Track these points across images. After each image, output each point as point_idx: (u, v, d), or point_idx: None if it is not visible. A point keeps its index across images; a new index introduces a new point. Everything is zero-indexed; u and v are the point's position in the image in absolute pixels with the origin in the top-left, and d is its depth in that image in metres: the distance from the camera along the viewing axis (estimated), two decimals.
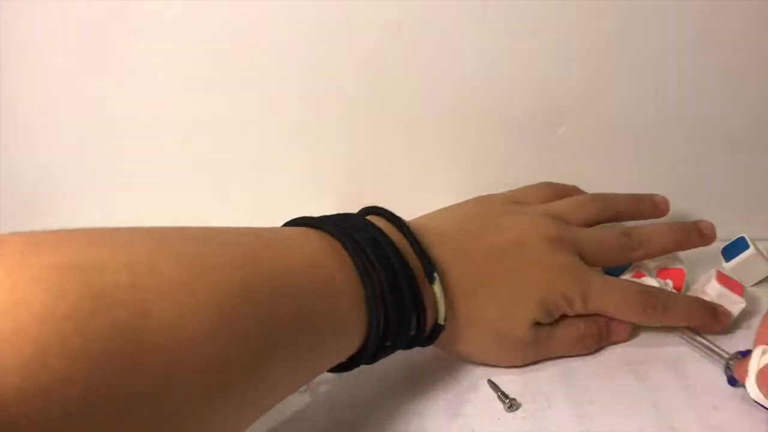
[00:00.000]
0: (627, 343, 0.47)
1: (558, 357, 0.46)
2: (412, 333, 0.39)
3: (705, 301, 0.47)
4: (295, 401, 0.43)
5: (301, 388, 0.41)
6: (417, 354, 0.44)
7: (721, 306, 0.47)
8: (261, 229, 0.38)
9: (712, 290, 0.47)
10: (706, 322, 0.46)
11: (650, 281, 0.48)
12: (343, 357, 0.38)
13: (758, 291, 0.52)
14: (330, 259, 0.37)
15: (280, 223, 0.50)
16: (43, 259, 0.26)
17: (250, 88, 0.53)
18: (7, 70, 0.51)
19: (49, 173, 0.57)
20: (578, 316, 0.45)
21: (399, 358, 0.43)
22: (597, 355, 0.46)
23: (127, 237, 0.31)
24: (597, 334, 0.45)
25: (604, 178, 0.57)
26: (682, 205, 0.58)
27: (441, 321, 0.40)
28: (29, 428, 0.23)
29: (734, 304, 0.47)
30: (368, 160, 0.57)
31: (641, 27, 0.51)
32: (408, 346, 0.41)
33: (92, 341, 0.25)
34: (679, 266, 0.50)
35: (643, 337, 0.48)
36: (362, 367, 0.41)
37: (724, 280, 0.48)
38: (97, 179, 0.57)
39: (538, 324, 0.44)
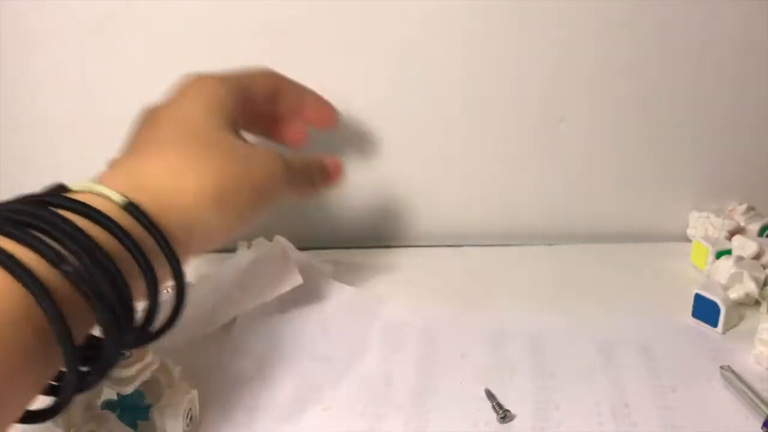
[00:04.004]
0: (600, 323, 0.48)
1: None
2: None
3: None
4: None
5: None
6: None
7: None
8: None
9: None
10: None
11: None
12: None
13: None
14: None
15: None
16: None
17: None
18: (11, 68, 0.53)
19: (53, 172, 0.57)
20: None
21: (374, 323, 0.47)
22: (569, 333, 0.48)
23: None
24: None
25: (603, 169, 0.58)
26: (677, 196, 0.59)
27: None
28: None
29: None
30: (376, 158, 0.58)
31: (639, 28, 0.52)
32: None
33: None
34: None
35: (617, 319, 0.49)
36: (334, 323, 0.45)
37: None
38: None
39: None
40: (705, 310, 0.48)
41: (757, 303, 0.50)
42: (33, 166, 0.58)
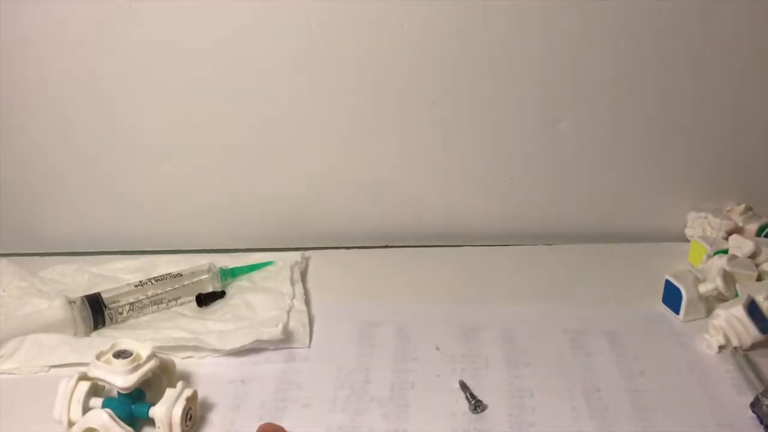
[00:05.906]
0: (569, 314, 0.50)
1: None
2: None
3: None
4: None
5: None
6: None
7: None
8: None
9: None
10: None
11: None
12: None
13: None
14: None
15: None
16: None
17: (257, 88, 0.56)
18: (14, 67, 0.54)
19: (56, 172, 0.60)
20: None
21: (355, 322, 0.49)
22: (539, 323, 0.49)
23: None
24: None
25: (602, 170, 0.59)
26: (675, 196, 0.59)
27: None
28: None
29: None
30: (376, 160, 0.59)
31: (637, 29, 0.53)
32: None
33: None
34: None
35: (585, 309, 0.50)
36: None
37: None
38: (103, 176, 0.59)
39: None
40: (672, 296, 0.49)
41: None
42: (33, 166, 0.60)
